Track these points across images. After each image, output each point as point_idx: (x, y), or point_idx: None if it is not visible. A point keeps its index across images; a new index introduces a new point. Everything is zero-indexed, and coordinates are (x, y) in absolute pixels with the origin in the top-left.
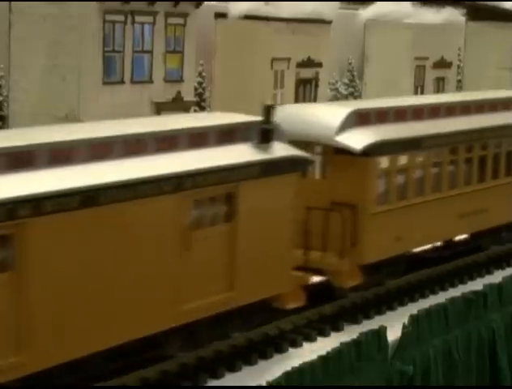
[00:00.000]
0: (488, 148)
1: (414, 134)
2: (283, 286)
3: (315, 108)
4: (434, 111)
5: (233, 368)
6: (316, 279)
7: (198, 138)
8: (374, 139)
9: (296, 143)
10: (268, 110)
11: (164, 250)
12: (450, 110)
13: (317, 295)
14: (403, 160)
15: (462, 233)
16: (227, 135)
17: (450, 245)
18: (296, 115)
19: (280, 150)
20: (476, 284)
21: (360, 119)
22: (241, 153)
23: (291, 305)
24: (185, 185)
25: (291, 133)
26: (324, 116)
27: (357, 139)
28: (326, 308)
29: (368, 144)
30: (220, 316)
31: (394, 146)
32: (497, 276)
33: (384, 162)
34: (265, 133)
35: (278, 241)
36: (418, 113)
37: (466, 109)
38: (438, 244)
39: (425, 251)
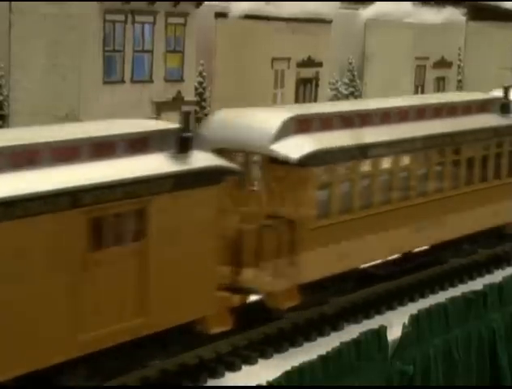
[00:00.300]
0: (446, 156)
1: (359, 142)
2: (205, 309)
3: (252, 113)
4: (385, 116)
5: (233, 367)
6: (252, 298)
7: (103, 148)
8: (314, 148)
9: (230, 151)
10: (187, 117)
11: (60, 274)
12: (403, 115)
13: (252, 316)
14: (346, 170)
15: (416, 247)
16: (138, 144)
17: (407, 258)
18: (231, 121)
19: (201, 160)
20: (476, 284)
21: (299, 126)
22: (153, 164)
23: (215, 330)
24: (82, 200)
25: (225, 140)
26: (261, 122)
27: (295, 148)
28: (326, 308)
29: (306, 153)
30: (135, 343)
31: (336, 155)
32: (497, 276)
33: (325, 172)
34: (183, 142)
35: (199, 259)
36: (366, 118)
37: (421, 113)
38: (393, 258)
39: (377, 266)
